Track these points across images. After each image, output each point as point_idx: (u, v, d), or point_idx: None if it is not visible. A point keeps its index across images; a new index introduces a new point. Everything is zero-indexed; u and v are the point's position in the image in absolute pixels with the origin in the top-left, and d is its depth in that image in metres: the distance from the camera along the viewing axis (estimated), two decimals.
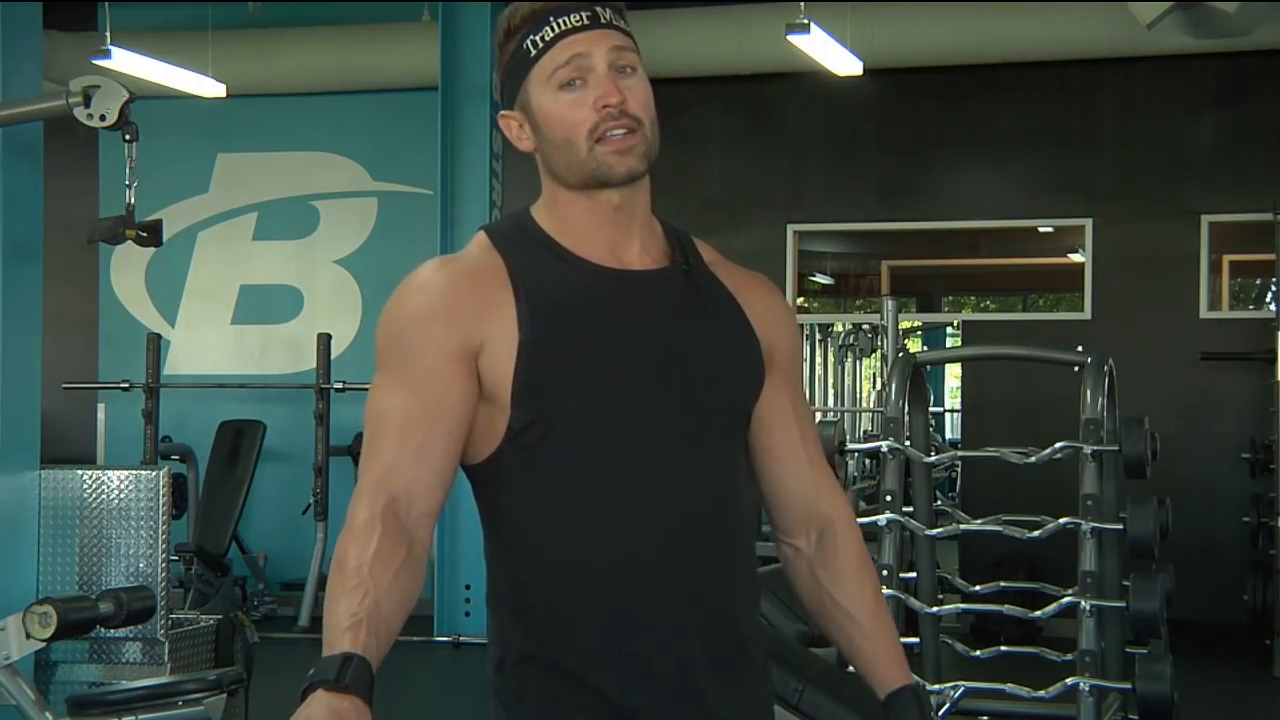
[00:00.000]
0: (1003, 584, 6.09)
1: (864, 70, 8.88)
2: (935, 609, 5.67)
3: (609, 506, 1.82)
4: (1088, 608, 5.23)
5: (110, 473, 5.39)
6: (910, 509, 5.79)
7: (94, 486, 5.35)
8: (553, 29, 1.84)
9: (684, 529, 1.84)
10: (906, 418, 5.74)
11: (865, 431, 11.60)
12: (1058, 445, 5.40)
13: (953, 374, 14.74)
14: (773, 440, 1.98)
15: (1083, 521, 5.27)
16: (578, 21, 1.84)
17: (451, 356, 1.81)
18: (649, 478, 1.83)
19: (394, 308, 1.88)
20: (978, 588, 5.90)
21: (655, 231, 1.95)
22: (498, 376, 1.82)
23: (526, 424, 1.82)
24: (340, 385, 9.71)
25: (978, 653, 5.64)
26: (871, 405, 12.30)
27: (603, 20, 1.86)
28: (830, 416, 11.53)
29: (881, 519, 5.41)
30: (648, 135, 1.86)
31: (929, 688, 5.26)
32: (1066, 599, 5.36)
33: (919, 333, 15.52)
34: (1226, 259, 10.55)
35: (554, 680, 1.84)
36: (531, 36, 1.85)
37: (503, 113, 1.93)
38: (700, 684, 1.85)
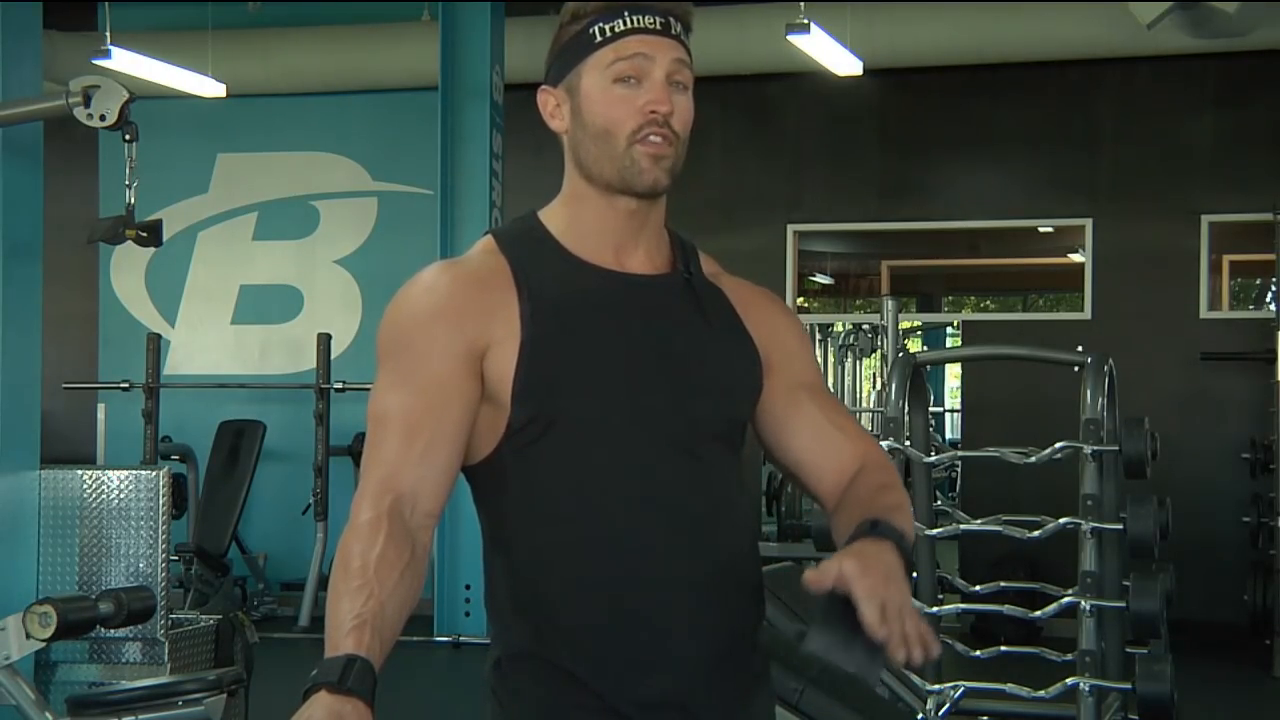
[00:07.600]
0: (1003, 584, 6.08)
1: (864, 70, 8.88)
2: (935, 609, 5.66)
3: (603, 506, 1.82)
4: (1088, 608, 5.23)
5: (110, 473, 5.39)
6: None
7: (94, 486, 5.35)
8: (625, 23, 1.86)
9: (677, 531, 1.83)
10: (906, 418, 5.74)
11: None
12: (1058, 445, 5.39)
13: (953, 374, 14.73)
14: (797, 424, 1.95)
15: (1083, 521, 5.27)
16: (651, 23, 1.87)
17: (457, 357, 1.82)
18: (643, 478, 1.84)
19: (398, 307, 1.88)
20: (978, 588, 5.89)
21: (663, 240, 1.96)
22: (501, 376, 1.82)
23: (525, 423, 1.82)
24: (340, 385, 9.71)
25: (978, 653, 5.64)
26: (871, 405, 12.29)
27: (673, 31, 1.88)
28: None
29: None
30: (680, 153, 1.88)
31: (929, 688, 5.25)
32: (1066, 599, 5.36)
33: (919, 333, 15.51)
34: (1226, 259, 10.55)
35: (549, 679, 1.83)
36: (601, 24, 1.87)
37: (543, 87, 1.93)
38: (695, 687, 1.84)
